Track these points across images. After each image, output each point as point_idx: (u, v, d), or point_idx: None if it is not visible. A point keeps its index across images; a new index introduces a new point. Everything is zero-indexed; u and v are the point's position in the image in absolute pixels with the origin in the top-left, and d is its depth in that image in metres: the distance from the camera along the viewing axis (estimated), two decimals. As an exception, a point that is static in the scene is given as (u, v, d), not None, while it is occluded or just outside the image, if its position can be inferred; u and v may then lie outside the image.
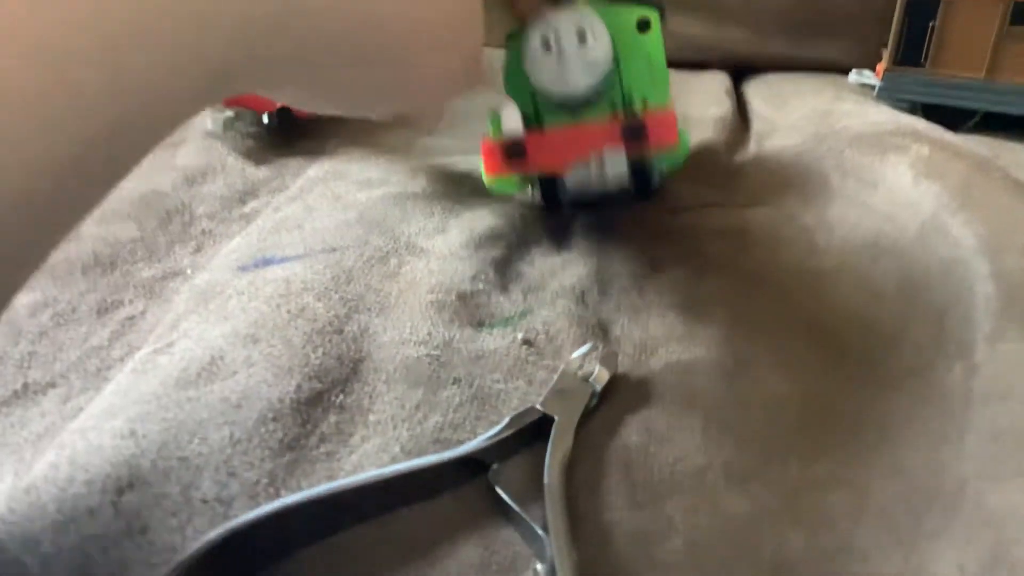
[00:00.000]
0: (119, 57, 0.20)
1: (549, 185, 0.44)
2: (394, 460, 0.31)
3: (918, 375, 0.36)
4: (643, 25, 0.45)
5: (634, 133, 0.39)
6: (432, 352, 0.36)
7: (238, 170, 0.51)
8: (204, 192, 0.49)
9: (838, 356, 0.38)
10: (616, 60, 0.40)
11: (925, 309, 0.39)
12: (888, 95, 0.65)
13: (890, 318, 0.39)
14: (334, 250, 0.42)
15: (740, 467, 0.32)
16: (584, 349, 0.35)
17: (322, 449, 0.32)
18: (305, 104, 0.36)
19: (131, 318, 0.39)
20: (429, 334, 0.37)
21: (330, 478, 0.30)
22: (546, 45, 0.39)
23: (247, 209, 0.48)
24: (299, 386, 0.34)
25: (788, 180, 0.53)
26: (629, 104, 0.42)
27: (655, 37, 0.45)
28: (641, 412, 0.34)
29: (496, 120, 0.41)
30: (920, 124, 0.56)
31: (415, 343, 0.37)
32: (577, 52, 0.39)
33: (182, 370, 0.34)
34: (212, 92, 0.25)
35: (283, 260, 0.42)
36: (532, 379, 0.36)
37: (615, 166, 0.40)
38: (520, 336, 0.38)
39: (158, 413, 0.32)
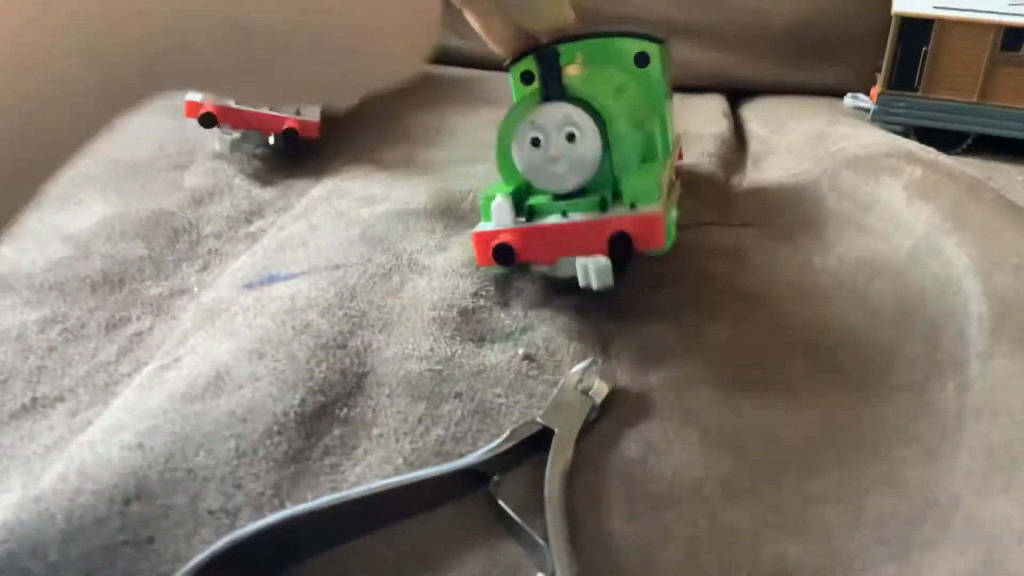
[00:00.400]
0: (33, 47, 0.19)
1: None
2: (397, 472, 0.32)
3: (913, 392, 0.36)
4: (641, 59, 0.45)
5: (620, 244, 0.38)
6: (434, 367, 0.37)
7: (244, 190, 0.52)
8: (211, 212, 0.50)
9: (834, 374, 0.38)
10: (607, 146, 0.39)
11: (919, 327, 0.40)
12: (882, 118, 0.66)
13: (885, 336, 0.40)
14: (337, 267, 0.42)
15: (737, 481, 0.32)
16: (584, 364, 0.36)
17: (326, 461, 0.32)
18: (243, 97, 0.34)
19: (139, 334, 0.40)
20: (431, 349, 0.38)
21: (334, 490, 0.31)
22: (534, 142, 0.39)
23: (253, 228, 0.49)
24: (303, 400, 0.34)
25: (785, 201, 0.54)
26: (617, 193, 0.40)
27: (654, 71, 0.45)
28: (640, 426, 0.35)
29: (488, 204, 0.41)
30: (914, 146, 0.57)
31: (417, 358, 0.37)
32: (566, 153, 0.39)
33: (188, 385, 0.34)
34: (142, 85, 0.23)
35: (288, 277, 0.42)
36: (533, 393, 0.36)
37: (601, 276, 0.39)
38: (521, 351, 0.38)
39: (165, 427, 0.32)
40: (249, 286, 0.42)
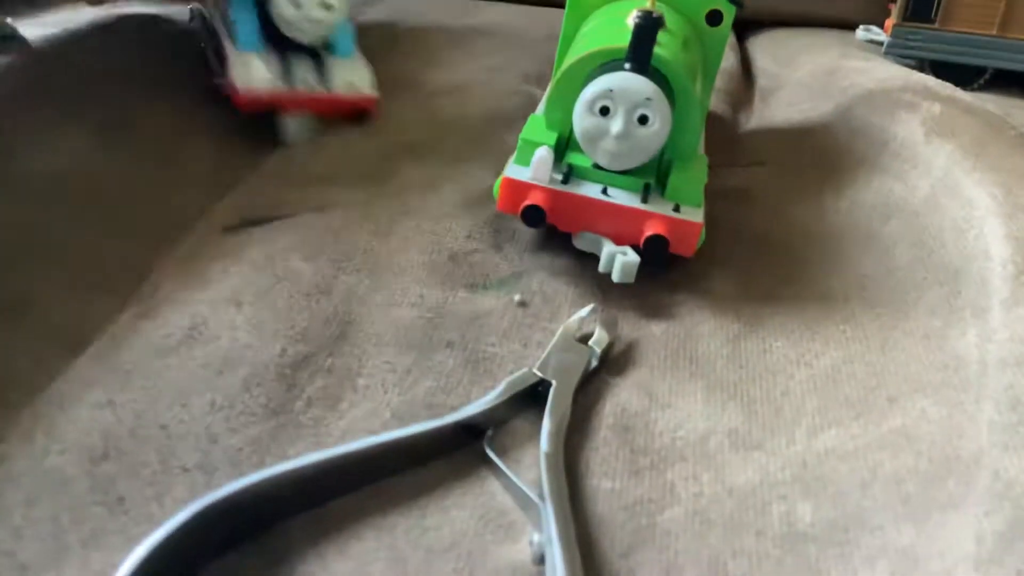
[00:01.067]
0: None
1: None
2: (384, 425, 0.30)
3: (931, 340, 0.34)
4: (714, 17, 0.42)
5: (656, 247, 0.36)
6: (424, 314, 0.35)
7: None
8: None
9: (847, 321, 0.36)
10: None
11: (938, 272, 0.37)
12: (896, 52, 0.63)
13: (901, 281, 0.38)
14: (322, 208, 0.40)
15: (745, 435, 0.31)
16: (584, 311, 0.34)
17: (309, 414, 0.30)
18: None
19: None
20: (421, 296, 0.36)
21: (317, 444, 0.29)
22: (603, 111, 0.35)
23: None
24: (284, 350, 0.32)
25: (795, 139, 0.52)
26: (659, 178, 0.38)
27: (722, 33, 0.42)
28: (642, 377, 0.33)
29: (528, 148, 0.37)
30: (930, 81, 0.54)
31: (407, 305, 0.35)
32: (633, 134, 0.35)
33: (163, 337, 0.33)
34: None
35: (267, 221, 0.40)
36: (528, 341, 0.34)
37: (626, 273, 0.36)
38: (516, 297, 0.37)
39: (136, 382, 0.31)
40: (228, 229, 0.40)
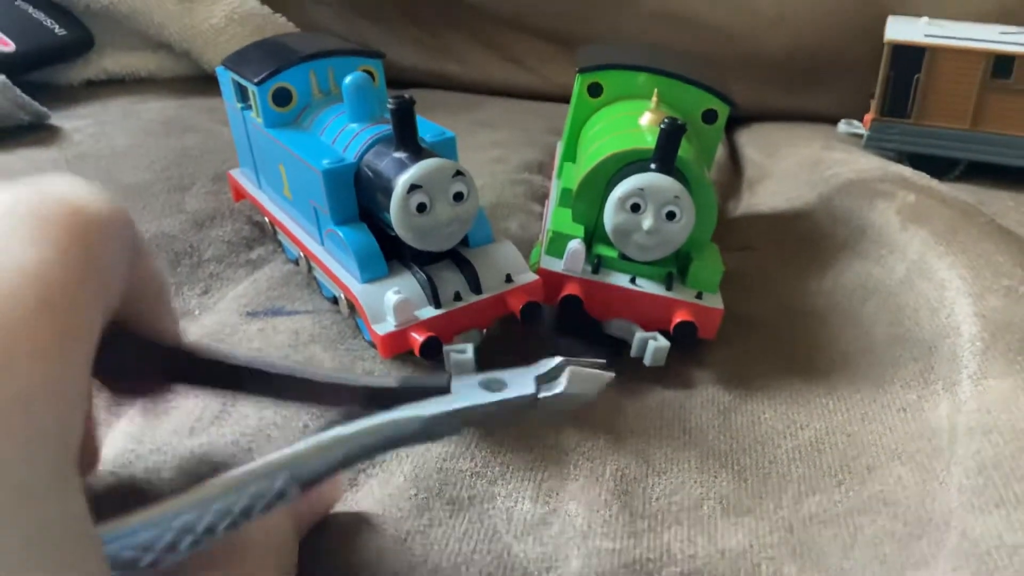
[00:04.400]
0: None
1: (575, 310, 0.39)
2: (398, 489, 0.32)
3: (907, 412, 0.37)
4: (710, 116, 0.45)
5: (685, 332, 0.39)
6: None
7: (244, 216, 0.52)
8: (212, 236, 0.50)
9: (829, 393, 0.39)
10: None
11: (913, 349, 0.40)
12: (875, 144, 0.67)
13: (879, 357, 0.41)
14: (340, 312, 0.43)
15: (736, 501, 0.33)
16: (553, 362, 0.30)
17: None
18: None
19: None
20: (432, 373, 0.38)
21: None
22: (634, 207, 0.38)
23: (253, 256, 0.49)
24: (306, 426, 0.35)
25: (780, 225, 0.55)
26: (680, 266, 0.41)
27: (716, 132, 0.45)
28: (639, 445, 0.35)
29: (560, 241, 0.39)
30: (907, 172, 0.57)
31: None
32: (662, 229, 0.38)
33: (196, 419, 0.35)
34: None
35: (291, 313, 0.43)
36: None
37: (658, 358, 0.38)
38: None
39: (170, 461, 0.33)
40: (252, 314, 0.42)
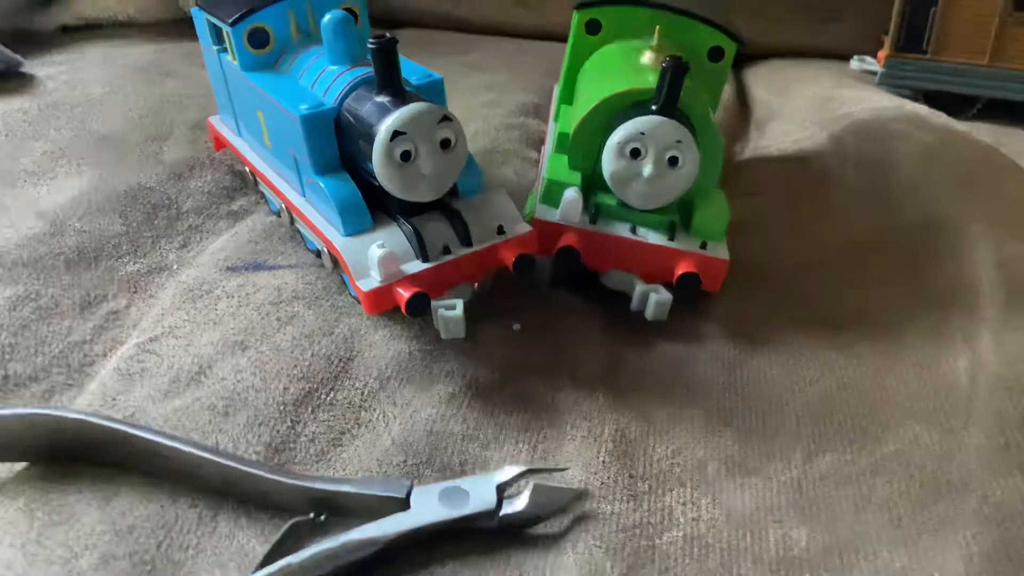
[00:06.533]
0: None
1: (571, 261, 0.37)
2: (386, 454, 0.31)
3: (922, 366, 0.35)
4: (716, 54, 0.42)
5: (689, 283, 0.36)
6: (424, 347, 0.35)
7: (225, 165, 0.50)
8: (191, 187, 0.48)
9: (840, 347, 0.37)
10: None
11: (929, 299, 0.38)
12: (890, 81, 0.64)
13: (894, 309, 0.38)
14: (324, 266, 0.41)
15: (742, 461, 0.31)
16: (515, 471, 0.29)
17: (311, 449, 0.31)
18: None
19: (115, 312, 0.38)
20: (421, 329, 0.36)
21: (321, 476, 0.30)
22: (633, 153, 0.35)
23: (235, 207, 0.47)
24: (286, 388, 0.33)
25: (789, 169, 0.52)
26: (683, 215, 0.38)
27: (722, 70, 0.42)
28: (640, 403, 0.34)
29: (556, 189, 0.37)
30: (922, 111, 0.55)
31: (407, 338, 0.36)
32: (663, 175, 0.35)
33: (171, 381, 0.33)
34: None
35: (274, 267, 0.41)
36: (526, 368, 0.35)
37: (660, 311, 0.36)
38: (516, 327, 0.37)
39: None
40: (232, 269, 0.41)
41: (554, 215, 0.37)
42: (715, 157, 0.38)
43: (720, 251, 0.37)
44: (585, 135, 0.38)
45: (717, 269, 0.37)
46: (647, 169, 0.35)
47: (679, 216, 0.38)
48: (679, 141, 0.35)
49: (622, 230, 0.37)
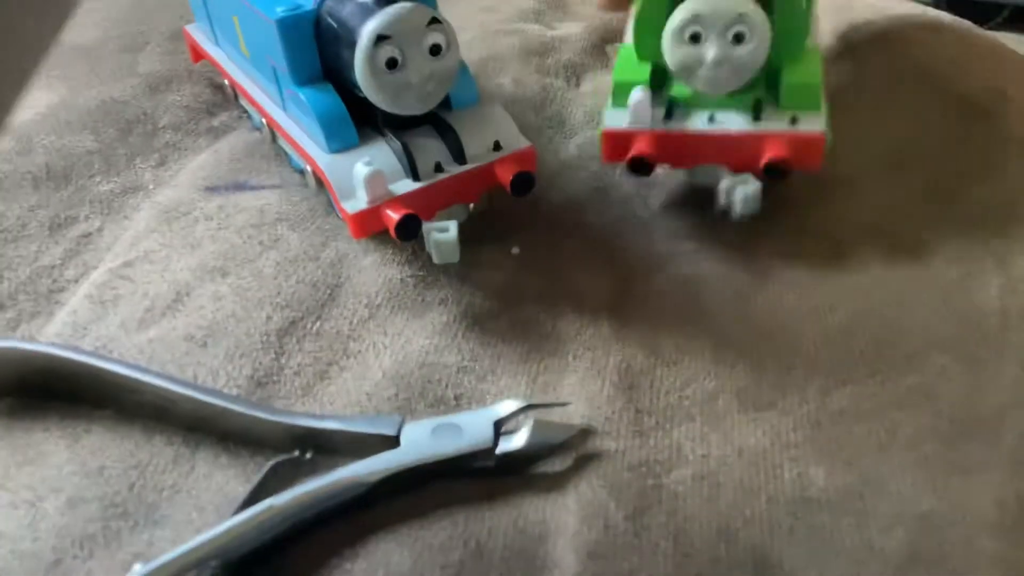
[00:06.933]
0: None
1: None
2: (376, 387, 0.29)
3: (951, 293, 0.33)
4: None
5: (777, 170, 0.33)
6: (416, 272, 0.33)
7: (206, 78, 0.47)
8: (168, 101, 0.45)
9: (861, 271, 0.35)
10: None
11: (958, 217, 0.36)
12: (912, -13, 0.61)
13: (919, 225, 0.36)
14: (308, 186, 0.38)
15: (755, 394, 0.30)
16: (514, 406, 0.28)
17: (296, 383, 0.29)
18: None
19: (86, 235, 0.36)
20: (413, 253, 0.34)
21: (306, 412, 0.28)
22: (693, 37, 0.32)
23: (215, 122, 0.44)
24: (269, 317, 0.31)
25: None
26: (770, 87, 0.35)
27: None
28: (646, 332, 0.32)
29: (623, 91, 0.34)
30: (946, 17, 0.52)
31: (398, 264, 0.34)
32: (729, 55, 0.32)
33: (145, 309, 0.32)
34: None
35: (256, 187, 0.39)
36: (523, 296, 0.33)
37: (750, 204, 0.34)
38: (515, 250, 0.35)
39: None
40: (212, 189, 0.39)
41: (624, 119, 0.34)
42: (797, 13, 0.34)
43: (813, 123, 0.34)
44: (649, 18, 0.34)
45: (811, 147, 0.34)
46: (711, 53, 0.32)
47: (765, 89, 0.35)
48: (741, 14, 0.31)
49: (700, 121, 0.35)
